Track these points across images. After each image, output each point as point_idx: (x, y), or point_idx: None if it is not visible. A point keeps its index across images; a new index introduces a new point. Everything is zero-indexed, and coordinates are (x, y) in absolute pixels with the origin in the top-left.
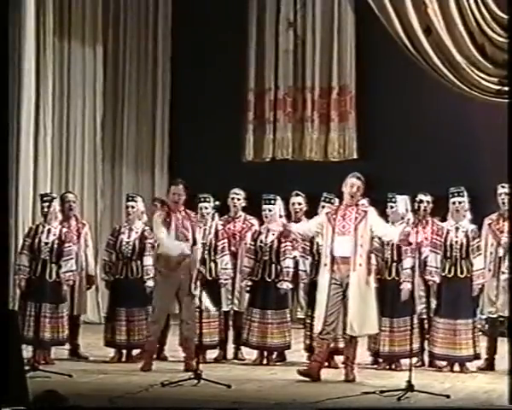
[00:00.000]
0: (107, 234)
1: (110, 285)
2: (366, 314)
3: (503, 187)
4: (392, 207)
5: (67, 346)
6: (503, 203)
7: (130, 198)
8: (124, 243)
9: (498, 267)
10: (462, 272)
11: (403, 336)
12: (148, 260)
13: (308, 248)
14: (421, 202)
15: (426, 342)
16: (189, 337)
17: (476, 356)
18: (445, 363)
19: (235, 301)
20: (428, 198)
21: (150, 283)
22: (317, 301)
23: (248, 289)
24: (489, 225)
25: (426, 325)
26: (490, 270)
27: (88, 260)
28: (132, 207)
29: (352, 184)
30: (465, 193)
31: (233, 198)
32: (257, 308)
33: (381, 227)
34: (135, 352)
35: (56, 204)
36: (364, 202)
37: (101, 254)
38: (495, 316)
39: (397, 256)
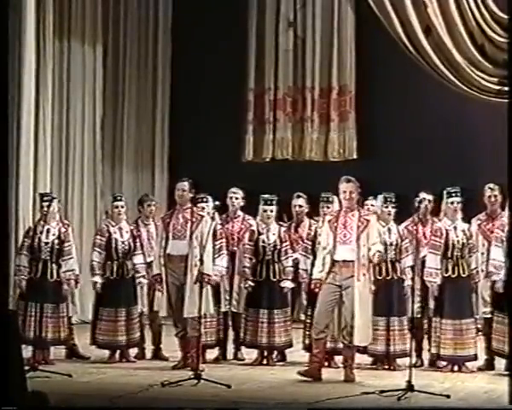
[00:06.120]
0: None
1: (102, 285)
2: (368, 323)
3: (491, 189)
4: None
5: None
6: (493, 204)
7: (119, 198)
8: (119, 243)
9: None
10: (464, 272)
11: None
12: (139, 259)
13: (310, 247)
14: (422, 200)
15: (425, 343)
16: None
17: (476, 356)
18: (450, 365)
19: (234, 303)
20: (430, 197)
21: (142, 280)
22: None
23: (250, 289)
24: (478, 225)
25: (425, 325)
26: (483, 270)
27: None
28: (122, 207)
29: (344, 189)
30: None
31: (231, 197)
32: (264, 309)
33: (375, 241)
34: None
35: (55, 204)
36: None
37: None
38: (489, 316)
39: (399, 255)
